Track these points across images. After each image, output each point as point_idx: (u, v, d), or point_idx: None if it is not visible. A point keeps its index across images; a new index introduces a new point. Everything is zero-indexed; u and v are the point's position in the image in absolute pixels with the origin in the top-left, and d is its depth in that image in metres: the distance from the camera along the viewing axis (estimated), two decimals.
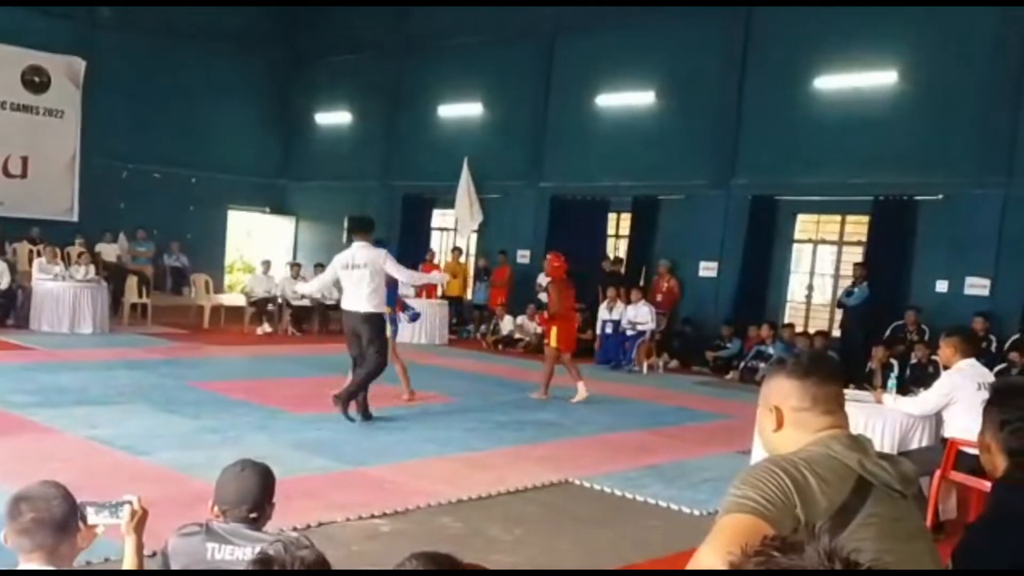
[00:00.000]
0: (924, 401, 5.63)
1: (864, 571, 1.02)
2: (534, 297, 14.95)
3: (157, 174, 17.79)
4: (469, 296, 16.32)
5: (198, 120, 18.09)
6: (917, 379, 9.75)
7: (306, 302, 14.87)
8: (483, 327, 15.25)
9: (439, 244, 17.67)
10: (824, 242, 13.52)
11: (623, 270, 14.57)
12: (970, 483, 5.04)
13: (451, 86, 17.00)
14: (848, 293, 12.32)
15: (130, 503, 2.40)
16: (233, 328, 14.30)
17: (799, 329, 12.74)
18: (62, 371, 9.31)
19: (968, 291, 11.55)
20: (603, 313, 13.40)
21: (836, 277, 13.27)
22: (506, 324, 14.64)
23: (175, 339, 12.74)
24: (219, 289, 17.56)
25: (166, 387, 8.82)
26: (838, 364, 2.11)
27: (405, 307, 9.52)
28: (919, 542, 1.79)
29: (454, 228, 17.17)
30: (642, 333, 12.81)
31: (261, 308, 14.60)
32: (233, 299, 16.41)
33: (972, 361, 5.57)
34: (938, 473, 5.19)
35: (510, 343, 14.33)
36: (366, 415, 7.73)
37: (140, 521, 2.42)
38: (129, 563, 2.44)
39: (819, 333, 12.34)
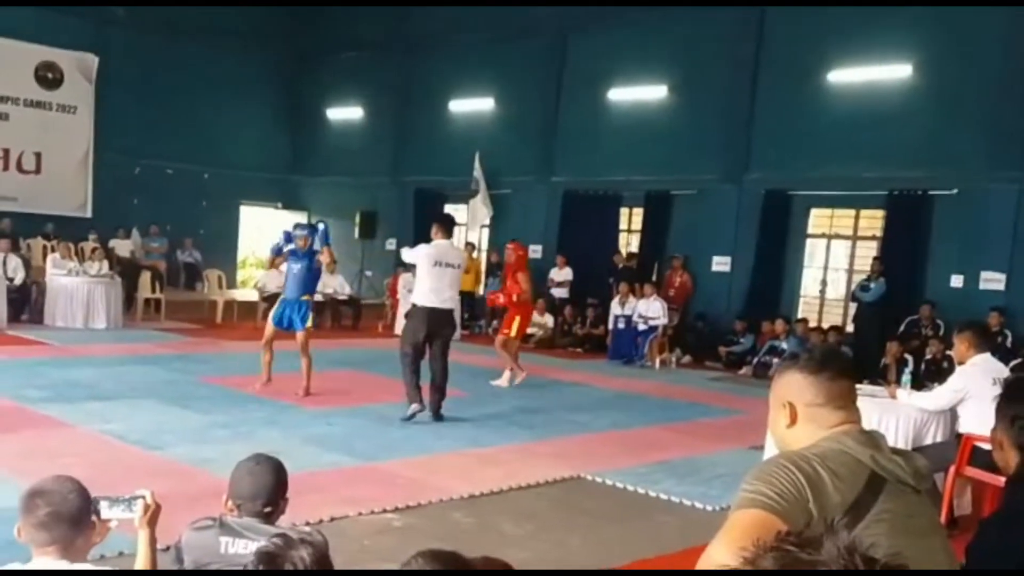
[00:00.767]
0: (938, 396, 5.59)
1: (885, 570, 1.00)
2: (546, 292, 14.95)
3: (170, 170, 17.84)
4: (481, 291, 16.30)
5: (210, 116, 18.13)
6: (932, 374, 9.71)
7: (318, 298, 14.88)
8: (495, 322, 15.23)
9: (454, 239, 17.61)
10: (838, 237, 13.44)
11: (635, 265, 14.54)
12: (985, 479, 5.00)
13: (462, 81, 16.98)
14: (864, 288, 12.25)
15: (143, 498, 2.41)
16: (246, 323, 14.34)
17: (813, 324, 12.69)
18: (76, 366, 9.36)
19: (983, 286, 11.47)
20: (615, 308, 13.37)
21: (850, 272, 13.20)
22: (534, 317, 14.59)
23: (188, 334, 12.79)
24: (232, 284, 17.63)
25: (179, 382, 8.85)
26: (850, 360, 2.10)
27: None
28: (932, 538, 1.78)
29: (466, 223, 17.16)
30: (654, 328, 12.77)
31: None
32: (246, 294, 16.47)
33: (986, 356, 5.53)
34: (953, 469, 5.15)
35: (522, 338, 14.28)
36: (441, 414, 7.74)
37: (153, 515, 2.43)
38: (142, 557, 2.46)
39: (833, 328, 12.29)
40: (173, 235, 17.16)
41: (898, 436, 5.48)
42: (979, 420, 4.91)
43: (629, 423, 8.41)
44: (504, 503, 5.53)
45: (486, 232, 17.14)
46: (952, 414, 5.61)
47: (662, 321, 12.79)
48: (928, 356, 10.67)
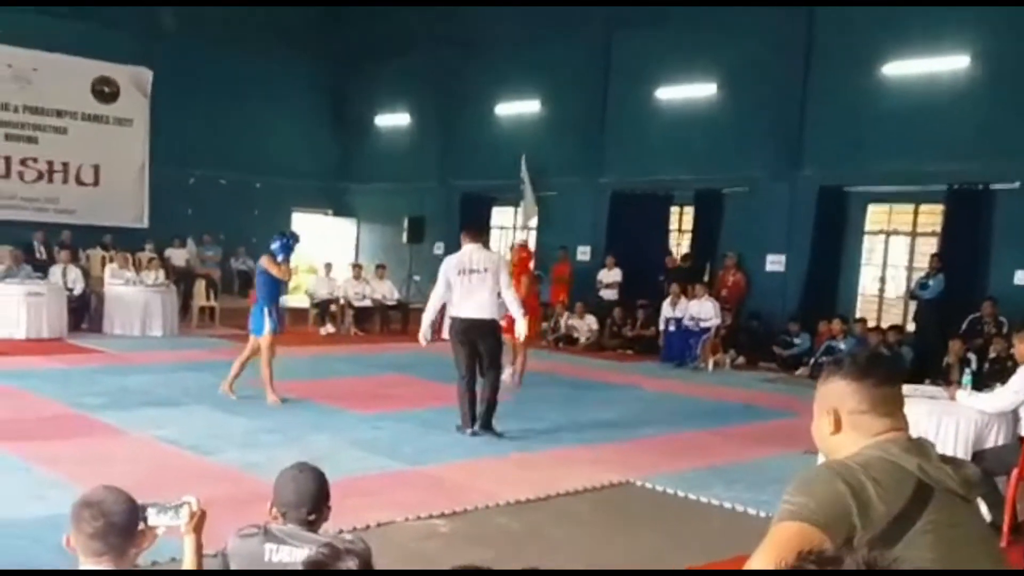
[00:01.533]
0: (999, 398, 5.38)
1: (893, 571, 0.95)
2: (594, 294, 14.86)
3: (223, 180, 18.16)
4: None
5: (261, 126, 18.42)
6: (996, 373, 9.36)
7: (367, 303, 15.03)
8: (543, 324, 15.18)
9: (498, 242, 17.67)
10: (897, 233, 13.10)
11: (689, 265, 14.34)
12: None
13: (508, 84, 16.98)
14: (922, 285, 11.92)
15: (188, 504, 2.42)
16: (297, 329, 14.49)
17: (872, 323, 12.38)
18: (132, 373, 9.55)
19: None
20: (666, 310, 13.20)
21: (910, 269, 12.86)
22: (573, 322, 14.52)
23: (241, 341, 12.89)
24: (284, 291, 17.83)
25: (234, 387, 8.94)
26: (896, 364, 2.03)
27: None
28: (980, 547, 1.71)
29: (513, 225, 17.18)
30: (707, 329, 12.59)
31: (324, 309, 14.80)
32: (297, 300, 16.66)
33: None
34: (1016, 473, 4.96)
35: (570, 340, 14.24)
36: (492, 428, 7.26)
37: (199, 522, 2.44)
38: (188, 563, 2.48)
39: (892, 327, 11.97)
40: (227, 244, 17.44)
41: (958, 439, 5.29)
42: None
43: (679, 426, 8.28)
44: (550, 508, 5.46)
45: (533, 234, 17.10)
46: (1014, 416, 5.40)
47: (715, 322, 12.60)
48: (992, 355, 10.31)
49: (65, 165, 16.52)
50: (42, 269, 13.16)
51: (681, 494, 5.88)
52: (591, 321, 14.28)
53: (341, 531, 2.71)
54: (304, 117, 19.50)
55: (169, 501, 2.39)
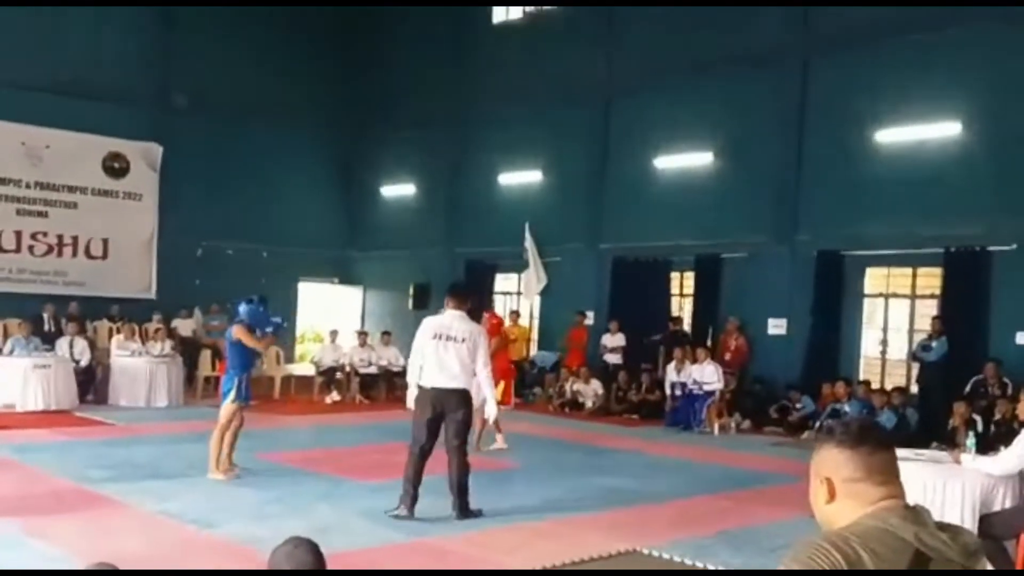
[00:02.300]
0: (1004, 460, 5.38)
1: None
2: (599, 359, 14.89)
3: (230, 250, 18.35)
4: (531, 358, 16.31)
5: (268, 197, 18.69)
6: (1002, 436, 9.31)
7: (373, 370, 15.06)
8: (550, 390, 15.18)
9: (503, 308, 17.76)
10: (896, 296, 13.17)
11: (681, 328, 14.40)
12: None
13: (510, 154, 17.28)
14: (925, 347, 11.93)
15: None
16: (302, 397, 14.52)
17: (875, 385, 12.35)
18: (137, 445, 9.55)
19: None
20: (671, 374, 13.22)
21: (911, 331, 12.88)
22: (577, 386, 14.49)
23: (245, 410, 12.93)
24: (290, 359, 17.88)
25: (236, 459, 8.92)
26: (889, 432, 2.06)
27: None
28: None
29: (517, 292, 17.28)
30: (711, 393, 12.58)
31: (330, 377, 14.83)
32: (303, 369, 16.70)
33: None
34: None
35: (575, 406, 14.22)
36: (471, 511, 6.80)
37: None
38: None
39: (896, 389, 11.94)
40: (234, 313, 17.48)
41: (964, 503, 5.28)
42: None
43: (687, 491, 8.24)
44: None
45: (537, 300, 17.20)
46: (1021, 478, 5.39)
47: (717, 386, 12.60)
48: (997, 416, 10.27)
49: (75, 239, 16.72)
50: (50, 341, 13.25)
51: (689, 562, 5.84)
52: (596, 386, 14.27)
53: None
54: (310, 187, 19.79)
55: None
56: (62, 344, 13.03)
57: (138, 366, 12.89)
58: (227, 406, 7.99)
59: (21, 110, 15.71)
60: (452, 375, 6.65)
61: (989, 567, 1.77)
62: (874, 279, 13.31)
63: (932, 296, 12.58)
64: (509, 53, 17.27)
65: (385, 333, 16.31)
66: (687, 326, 14.67)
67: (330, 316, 19.98)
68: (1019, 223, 11.36)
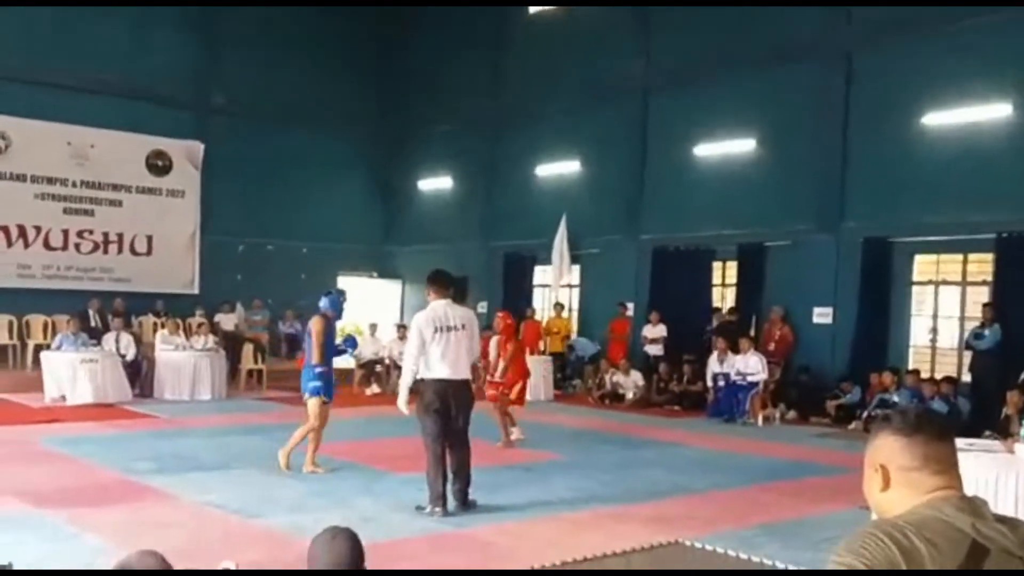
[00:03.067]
0: None
1: None
2: (639, 350, 14.78)
3: (270, 246, 18.56)
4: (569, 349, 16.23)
5: (308, 194, 18.85)
6: None
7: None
8: (590, 381, 15.10)
9: (541, 300, 17.71)
10: (946, 283, 12.86)
11: (736, 319, 14.19)
12: None
13: (548, 146, 17.20)
14: (977, 335, 11.63)
15: (228, 569, 2.43)
16: (343, 389, 14.54)
17: (925, 375, 12.08)
18: (181, 437, 9.67)
19: None
20: (713, 365, 13.06)
21: (962, 319, 12.57)
22: (619, 378, 14.39)
23: (288, 403, 13.04)
24: None
25: (278, 451, 8.98)
26: (947, 421, 1.98)
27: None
28: None
29: (557, 284, 17.23)
30: (754, 384, 12.40)
31: (370, 370, 14.90)
32: (343, 362, 16.77)
33: None
34: None
35: (616, 398, 14.11)
36: (471, 504, 6.73)
37: None
38: None
39: (947, 379, 11.66)
40: (275, 308, 17.72)
41: (1018, 494, 5.11)
42: None
43: (730, 483, 8.11)
44: (600, 571, 5.35)
45: (576, 292, 17.12)
46: None
47: (761, 376, 12.41)
48: None
49: (120, 236, 17.01)
50: (97, 337, 13.47)
51: (733, 554, 5.74)
52: (637, 377, 14.16)
53: None
54: (348, 183, 19.91)
55: (212, 568, 2.42)
56: (108, 339, 13.24)
57: (182, 360, 13.06)
58: (313, 403, 7.72)
59: (67, 111, 16.01)
60: (458, 365, 6.60)
61: None
62: (923, 266, 13.01)
63: (984, 283, 12.26)
64: (545, 46, 17.18)
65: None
66: (730, 316, 14.47)
67: (369, 310, 20.08)
68: None
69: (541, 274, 17.68)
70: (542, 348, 15.62)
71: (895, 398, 11.37)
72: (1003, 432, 8.27)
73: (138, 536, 5.15)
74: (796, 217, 13.59)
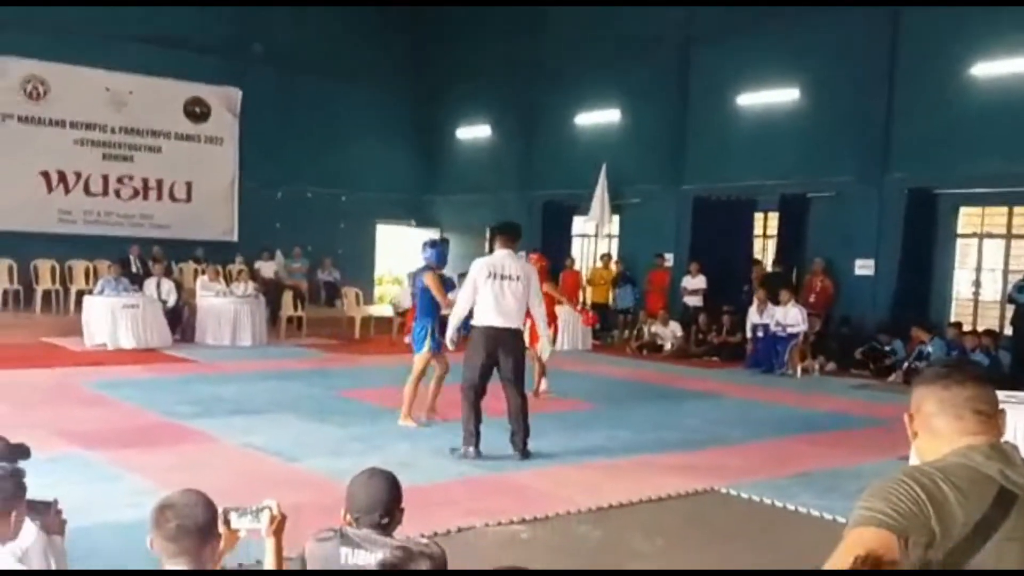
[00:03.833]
0: None
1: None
2: (678, 301, 14.69)
3: (309, 194, 18.62)
4: (611, 301, 16.15)
5: (346, 142, 18.81)
6: None
7: (450, 312, 15.13)
8: (627, 331, 15.07)
9: (580, 250, 17.62)
10: (991, 235, 12.57)
11: (781, 271, 14.01)
12: None
13: (588, 95, 16.95)
14: (1020, 288, 11.42)
15: (269, 508, 2.46)
16: (382, 337, 14.72)
17: (967, 328, 11.89)
18: (222, 382, 9.83)
19: None
20: (753, 316, 12.95)
21: (1006, 272, 12.31)
22: (656, 329, 14.35)
23: (327, 350, 13.23)
24: (368, 301, 18.16)
25: (317, 397, 9.14)
26: (983, 371, 1.96)
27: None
28: None
29: (595, 234, 17.12)
30: (794, 336, 12.29)
31: (405, 318, 14.97)
32: (382, 310, 16.92)
33: None
34: None
35: (654, 348, 14.08)
36: (529, 453, 6.73)
37: (279, 525, 2.49)
38: (269, 564, 2.53)
39: (988, 332, 11.47)
40: (313, 255, 17.84)
41: None
42: None
43: (766, 434, 8.09)
44: (634, 517, 5.39)
45: (615, 242, 17.00)
46: None
47: (801, 328, 12.29)
48: None
49: (159, 182, 17.15)
50: (137, 282, 13.67)
51: (768, 501, 5.74)
52: (675, 328, 14.11)
53: (408, 537, 2.72)
54: (387, 131, 19.82)
55: (251, 505, 2.45)
56: (150, 285, 13.42)
57: (223, 306, 13.23)
58: (420, 356, 7.70)
59: (106, 57, 16.04)
60: (508, 315, 6.60)
61: None
62: (968, 218, 12.72)
63: None
64: None
65: (462, 275, 16.30)
66: (770, 267, 14.30)
67: (408, 258, 20.15)
68: None
69: (580, 224, 17.57)
70: (581, 299, 15.56)
71: (930, 349, 11.25)
72: None
73: (179, 477, 5.27)
74: (839, 168, 13.32)
